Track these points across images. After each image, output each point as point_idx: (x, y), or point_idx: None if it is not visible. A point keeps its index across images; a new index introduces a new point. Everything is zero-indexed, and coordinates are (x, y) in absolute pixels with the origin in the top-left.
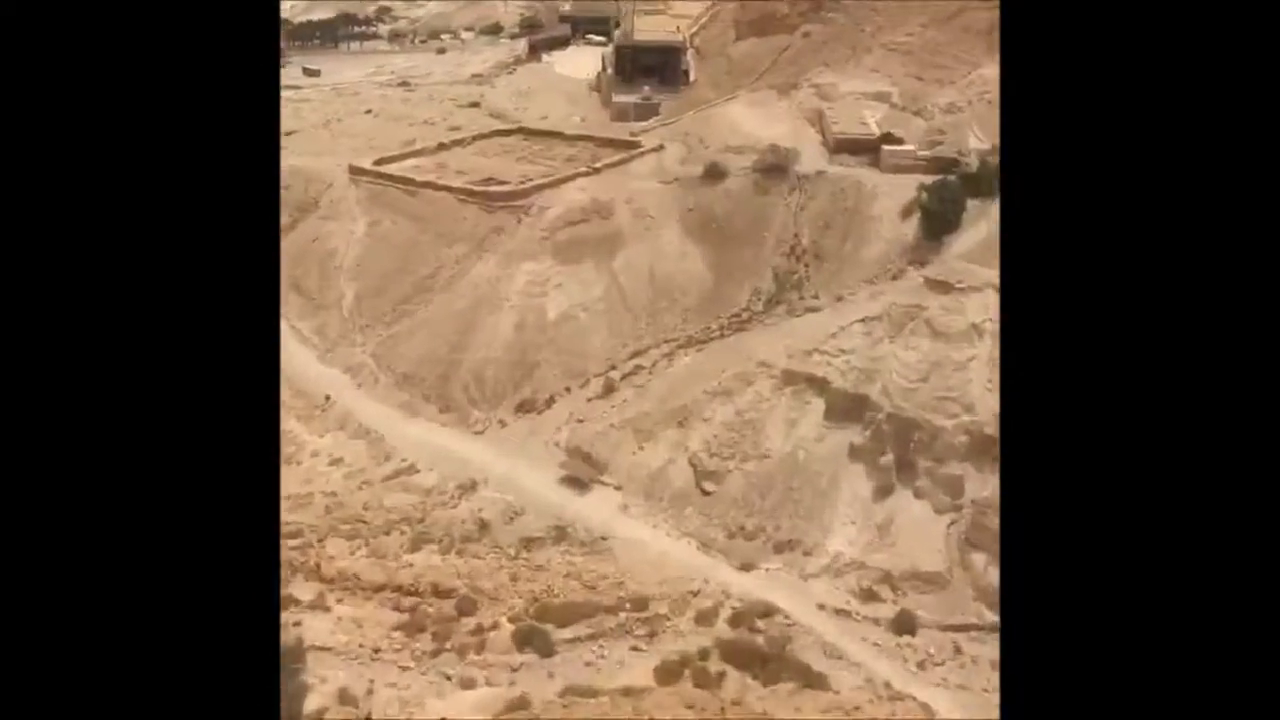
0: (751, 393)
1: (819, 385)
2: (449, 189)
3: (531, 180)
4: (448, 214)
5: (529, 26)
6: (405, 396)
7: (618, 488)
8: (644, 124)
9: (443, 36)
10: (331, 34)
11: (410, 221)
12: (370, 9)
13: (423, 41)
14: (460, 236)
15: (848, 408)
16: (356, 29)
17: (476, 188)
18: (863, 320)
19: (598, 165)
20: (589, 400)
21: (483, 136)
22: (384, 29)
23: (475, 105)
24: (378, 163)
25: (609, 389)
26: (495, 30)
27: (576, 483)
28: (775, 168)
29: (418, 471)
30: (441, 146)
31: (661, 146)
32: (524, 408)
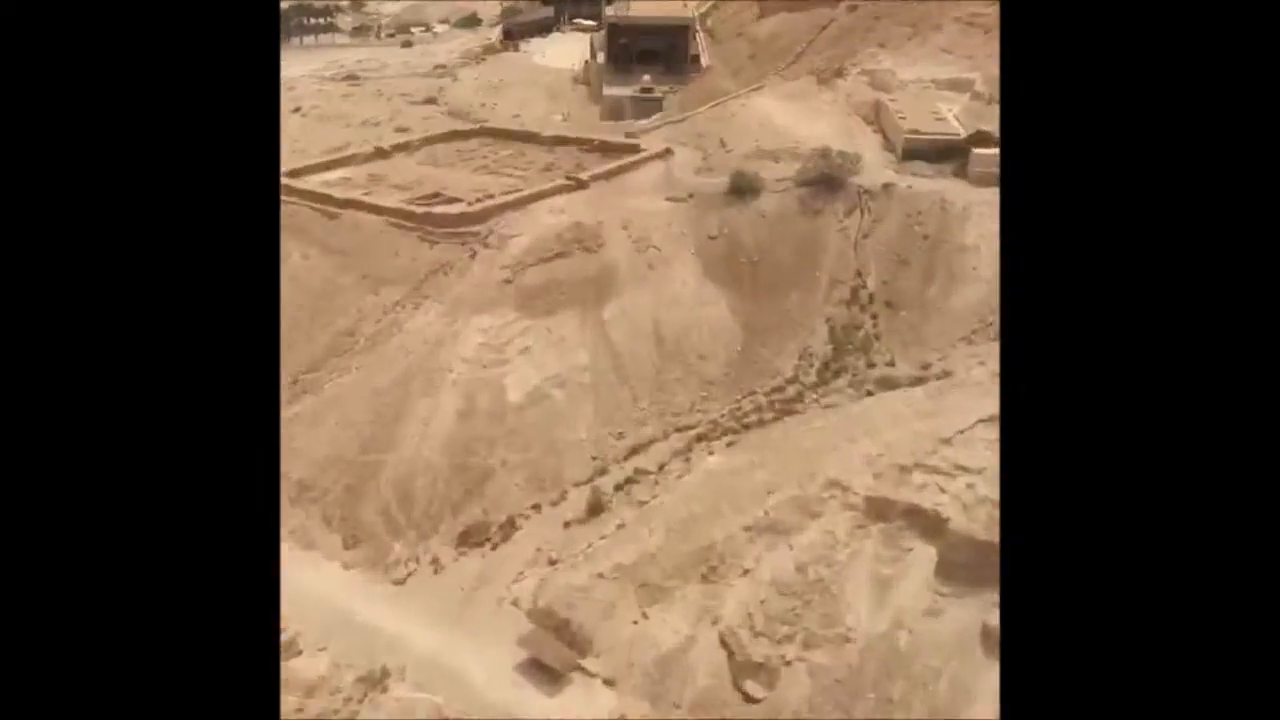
0: (817, 530)
1: (927, 524)
2: (379, 209)
3: (492, 197)
4: (376, 245)
5: (510, 15)
6: (297, 519)
7: (609, 682)
8: (645, 123)
9: (413, 30)
10: (284, 27)
11: (324, 255)
12: (337, 1)
13: (390, 35)
14: (390, 277)
15: (976, 564)
16: (312, 21)
17: (417, 207)
18: (991, 419)
19: (583, 176)
20: (566, 526)
21: (433, 140)
22: (346, 21)
23: (431, 101)
24: (290, 174)
25: (596, 508)
26: (473, 23)
27: (544, 672)
28: (827, 179)
29: (299, 652)
30: (379, 153)
31: (669, 151)
32: (469, 539)
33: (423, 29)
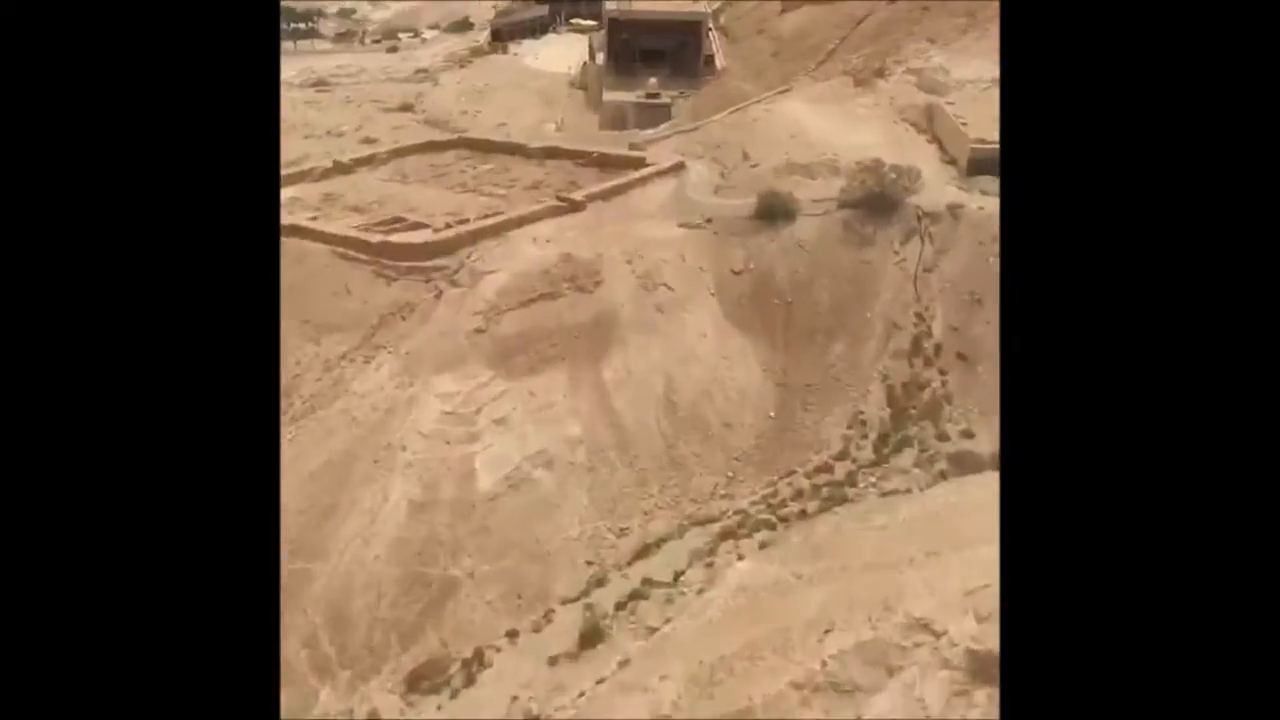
0: (898, 693)
1: None
2: (326, 237)
3: (466, 222)
4: (321, 281)
5: (503, 15)
6: None
7: None
8: (651, 132)
9: (400, 36)
10: None
11: None
12: (326, 6)
13: (376, 41)
14: (337, 321)
15: None
16: (291, 26)
17: (373, 234)
18: None
19: (578, 196)
20: (552, 663)
21: (404, 152)
22: (329, 27)
23: (406, 109)
24: None
25: (591, 637)
26: (464, 27)
27: None
28: (878, 199)
29: None
30: (338, 168)
31: (681, 165)
32: (422, 682)
33: (411, 34)
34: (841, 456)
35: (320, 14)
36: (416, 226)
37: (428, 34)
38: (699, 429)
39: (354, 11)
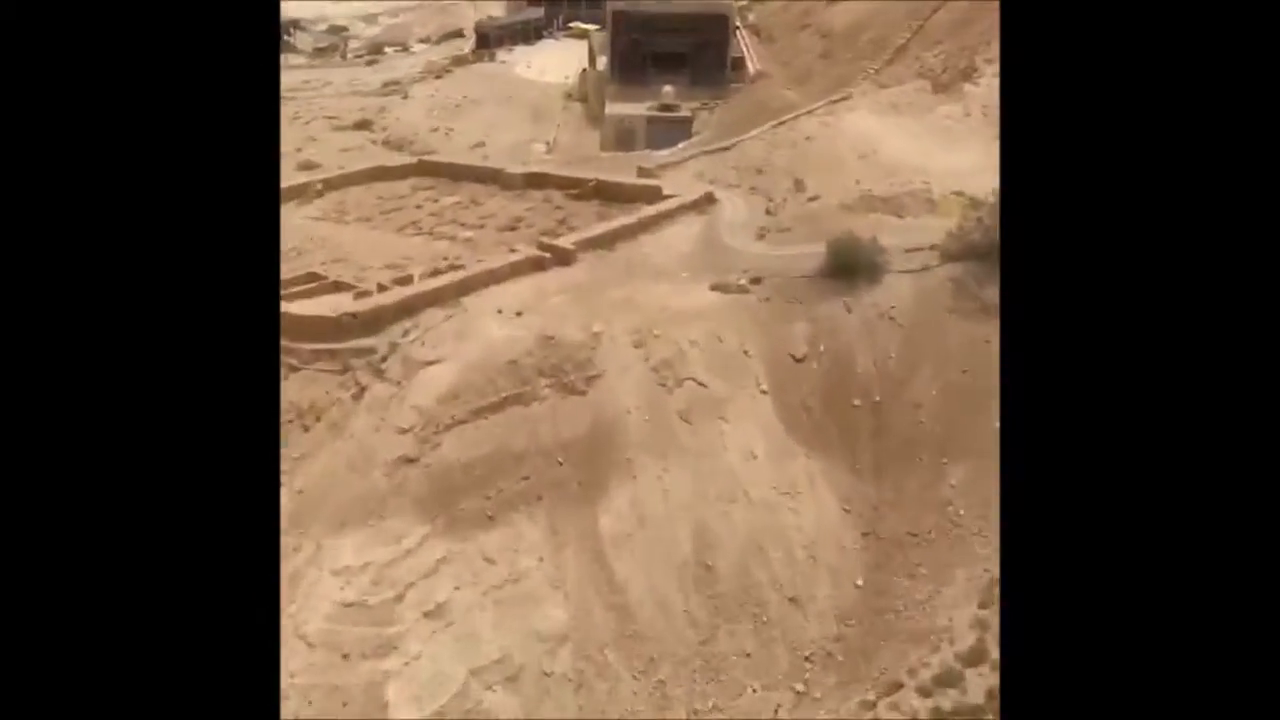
0: None
1: None
2: None
3: (412, 282)
4: None
5: (492, 18)
6: None
7: None
8: (666, 153)
9: (387, 50)
10: None
11: None
12: (310, 21)
13: (358, 56)
14: None
15: None
16: None
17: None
18: None
19: (566, 244)
20: None
21: (350, 180)
22: (306, 41)
23: (364, 126)
24: None
25: None
26: (457, 37)
27: None
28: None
29: None
30: None
31: (711, 197)
32: None
33: (398, 48)
34: (976, 658)
35: (297, 26)
36: (337, 287)
37: (417, 48)
38: (748, 609)
39: (346, 29)
